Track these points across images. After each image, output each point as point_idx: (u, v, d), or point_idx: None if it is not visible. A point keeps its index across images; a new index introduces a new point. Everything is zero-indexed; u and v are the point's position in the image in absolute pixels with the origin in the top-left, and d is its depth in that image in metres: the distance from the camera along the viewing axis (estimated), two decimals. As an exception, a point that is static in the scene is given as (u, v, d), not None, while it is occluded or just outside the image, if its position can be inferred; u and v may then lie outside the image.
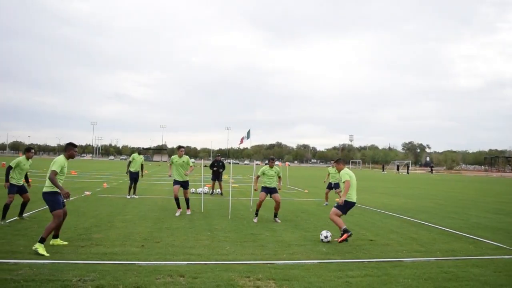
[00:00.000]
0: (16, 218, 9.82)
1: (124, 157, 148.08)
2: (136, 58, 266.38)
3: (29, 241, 7.50)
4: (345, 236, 8.24)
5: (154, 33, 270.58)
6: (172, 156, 11.98)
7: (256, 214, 11.00)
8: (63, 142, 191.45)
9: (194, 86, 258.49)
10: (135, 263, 6.28)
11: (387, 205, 15.81)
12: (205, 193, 16.82)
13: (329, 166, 17.08)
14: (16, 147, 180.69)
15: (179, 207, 11.65)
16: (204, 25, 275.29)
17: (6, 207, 9.40)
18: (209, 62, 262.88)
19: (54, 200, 6.98)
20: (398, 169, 74.66)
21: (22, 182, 9.77)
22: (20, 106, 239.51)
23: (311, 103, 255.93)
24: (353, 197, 8.61)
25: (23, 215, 10.02)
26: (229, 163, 15.51)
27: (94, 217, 10.59)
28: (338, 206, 8.58)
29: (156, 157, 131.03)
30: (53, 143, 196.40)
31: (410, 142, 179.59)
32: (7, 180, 9.49)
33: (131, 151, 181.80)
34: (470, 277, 6.15)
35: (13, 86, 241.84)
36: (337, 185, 15.39)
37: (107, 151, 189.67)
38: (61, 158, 7.13)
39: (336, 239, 8.38)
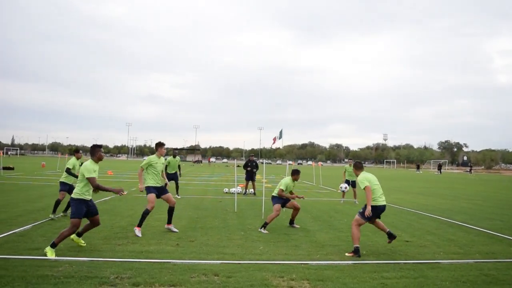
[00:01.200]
0: (61, 215, 10.41)
1: (198, 158, 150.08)
2: (168, 59, 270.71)
3: (68, 239, 7.70)
4: (352, 254, 7.25)
5: (185, 34, 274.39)
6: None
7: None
8: (100, 142, 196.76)
9: (226, 86, 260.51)
10: (170, 262, 6.38)
11: (423, 206, 15.47)
12: (238, 193, 16.92)
13: (346, 164, 17.18)
14: (55, 148, 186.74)
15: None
16: (235, 25, 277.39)
17: (58, 203, 10.20)
18: (240, 62, 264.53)
19: (76, 208, 6.86)
20: (439, 168, 72.16)
21: (72, 181, 10.37)
22: (59, 108, 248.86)
23: (343, 102, 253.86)
24: (379, 201, 7.66)
25: (67, 212, 10.36)
26: (262, 163, 15.51)
27: (129, 216, 10.80)
28: (362, 214, 7.56)
29: (189, 157, 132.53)
30: (90, 143, 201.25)
31: (446, 141, 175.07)
32: (75, 176, 9.98)
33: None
34: (511, 280, 5.95)
35: (51, 89, 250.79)
36: (354, 183, 15.47)
37: (142, 151, 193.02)
38: (89, 164, 6.95)
39: (347, 253, 7.38)
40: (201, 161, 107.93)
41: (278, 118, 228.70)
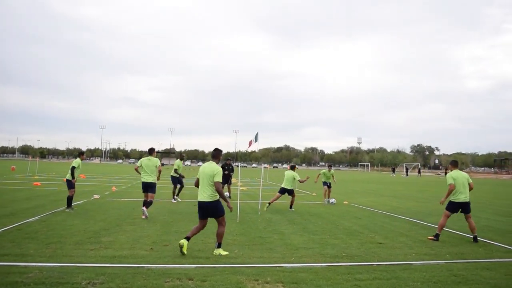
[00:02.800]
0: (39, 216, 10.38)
1: (132, 160, 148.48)
2: (144, 62, 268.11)
3: (39, 244, 7.56)
4: (432, 238, 9.27)
5: (161, 37, 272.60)
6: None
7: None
8: (73, 146, 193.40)
9: (202, 90, 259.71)
10: (144, 266, 6.31)
11: (396, 208, 15.73)
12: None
13: (325, 169, 18.42)
14: (25, 151, 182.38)
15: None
16: (211, 29, 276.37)
17: (70, 199, 12.22)
18: (217, 66, 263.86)
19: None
20: (407, 172, 74.35)
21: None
22: (30, 110, 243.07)
23: (319, 106, 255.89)
24: (460, 198, 9.27)
25: (72, 205, 12.38)
26: (237, 166, 15.54)
27: (103, 220, 10.64)
28: (447, 208, 9.42)
29: (164, 160, 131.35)
30: (62, 147, 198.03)
31: (418, 145, 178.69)
32: (73, 177, 12.23)
33: (139, 154, 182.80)
34: (480, 280, 6.10)
35: (22, 90, 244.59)
36: (330, 184, 17.48)
37: (116, 154, 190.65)
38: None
39: (428, 237, 9.39)
40: (164, 164, 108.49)
41: (254, 121, 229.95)
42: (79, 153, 12.85)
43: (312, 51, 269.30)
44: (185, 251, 7.04)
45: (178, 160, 16.66)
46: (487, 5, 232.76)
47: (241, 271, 6.19)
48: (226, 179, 17.95)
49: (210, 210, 7.32)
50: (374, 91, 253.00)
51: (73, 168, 12.24)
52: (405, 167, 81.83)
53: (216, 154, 7.70)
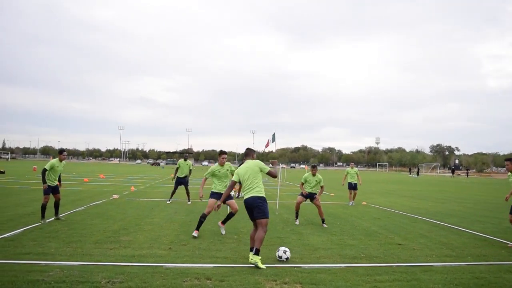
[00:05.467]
0: (53, 218, 10.32)
1: (150, 161, 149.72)
2: (160, 63, 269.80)
3: (59, 243, 7.67)
4: None
5: (178, 38, 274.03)
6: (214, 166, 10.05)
7: (296, 217, 11.49)
8: (92, 146, 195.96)
9: (219, 90, 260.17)
10: (162, 266, 6.34)
11: (416, 209, 15.53)
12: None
13: (348, 167, 17.75)
14: (46, 151, 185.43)
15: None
16: (228, 29, 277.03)
17: (44, 208, 9.96)
18: (233, 66, 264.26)
19: None
20: (418, 172, 74.23)
21: (56, 183, 10.39)
22: (50, 112, 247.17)
23: (336, 106, 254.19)
24: None
25: (59, 215, 10.52)
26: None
27: (122, 220, 10.74)
28: None
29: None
30: (82, 147, 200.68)
31: (438, 145, 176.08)
32: (44, 182, 10.05)
33: (157, 155, 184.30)
34: (503, 283, 5.98)
35: (43, 92, 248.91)
36: (355, 186, 16.07)
37: (134, 155, 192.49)
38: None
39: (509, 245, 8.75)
40: (159, 164, 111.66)
41: (271, 121, 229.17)
42: (58, 151, 10.62)
43: (328, 51, 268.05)
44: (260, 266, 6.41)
45: (181, 160, 15.80)
46: (507, 1, 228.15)
47: (259, 271, 6.17)
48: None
49: (254, 208, 6.87)
50: (392, 90, 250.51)
51: (43, 171, 10.04)
52: (417, 167, 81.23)
53: (249, 153, 7.62)
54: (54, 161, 10.28)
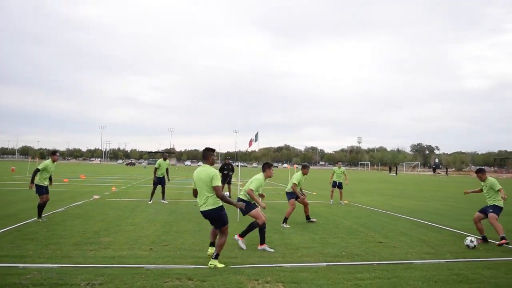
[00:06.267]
0: (36, 219, 10.38)
1: (127, 160, 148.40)
2: (143, 62, 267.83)
3: (38, 245, 7.54)
4: (503, 242, 8.58)
5: (161, 37, 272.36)
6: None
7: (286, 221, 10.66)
8: (73, 146, 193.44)
9: (202, 90, 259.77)
10: (143, 267, 6.28)
11: (396, 207, 15.71)
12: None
13: (335, 167, 17.74)
14: (25, 152, 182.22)
15: None
16: (212, 29, 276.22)
17: (41, 207, 10.35)
18: (216, 66, 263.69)
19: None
20: (396, 170, 75.77)
21: (47, 183, 10.59)
22: (30, 111, 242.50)
23: (319, 106, 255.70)
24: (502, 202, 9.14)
25: (42, 216, 10.59)
26: (237, 166, 15.45)
27: (102, 220, 10.61)
28: (496, 211, 9.02)
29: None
30: (62, 147, 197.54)
31: (418, 144, 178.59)
32: (32, 181, 10.32)
33: (139, 155, 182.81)
34: (481, 279, 6.07)
35: (21, 90, 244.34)
36: (340, 185, 16.13)
37: (116, 155, 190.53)
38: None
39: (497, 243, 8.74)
40: (134, 163, 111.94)
41: (254, 121, 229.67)
42: (51, 153, 10.97)
43: (312, 51, 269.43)
44: (219, 266, 6.39)
45: (161, 159, 15.37)
46: (487, 4, 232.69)
47: (241, 271, 6.16)
48: (226, 178, 17.96)
49: (213, 220, 6.66)
50: (374, 90, 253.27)
51: (35, 170, 10.35)
52: (395, 166, 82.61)
53: (206, 155, 6.74)
54: (47, 162, 10.56)
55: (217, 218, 6.59)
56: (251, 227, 7.93)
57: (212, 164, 6.71)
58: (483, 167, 10.09)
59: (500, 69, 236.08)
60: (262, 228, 7.81)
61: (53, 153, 10.85)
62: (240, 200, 8.25)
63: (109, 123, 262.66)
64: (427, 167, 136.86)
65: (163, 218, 11.37)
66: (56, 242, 7.86)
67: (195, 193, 6.82)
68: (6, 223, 9.66)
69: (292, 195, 10.94)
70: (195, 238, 8.62)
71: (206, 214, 6.56)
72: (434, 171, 77.06)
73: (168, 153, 17.41)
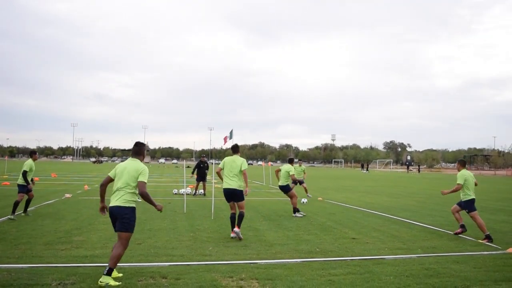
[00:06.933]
0: (19, 213, 10.84)
1: (105, 159, 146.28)
2: (116, 59, 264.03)
3: (7, 245, 7.37)
4: (460, 230, 9.40)
5: (135, 34, 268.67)
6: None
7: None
8: (43, 144, 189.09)
9: (176, 87, 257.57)
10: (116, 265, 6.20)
11: (369, 204, 15.94)
12: (188, 194, 16.71)
13: (296, 164, 17.58)
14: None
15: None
16: (186, 26, 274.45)
17: (16, 204, 10.46)
18: (191, 63, 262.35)
19: None
20: (367, 167, 77.29)
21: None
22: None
23: (293, 104, 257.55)
24: (472, 195, 9.41)
25: (28, 210, 11.22)
26: (212, 163, 15.42)
27: (74, 219, 10.44)
28: (471, 207, 9.30)
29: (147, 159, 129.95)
30: (32, 145, 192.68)
31: (391, 141, 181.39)
32: (28, 183, 10.80)
33: (112, 152, 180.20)
34: (450, 273, 6.22)
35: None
36: (301, 181, 16.76)
37: (88, 153, 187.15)
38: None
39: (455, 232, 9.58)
40: (101, 161, 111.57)
41: (229, 119, 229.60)
42: (30, 153, 11.43)
43: (286, 49, 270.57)
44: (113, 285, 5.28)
45: (30, 160, 11.25)
46: (456, 5, 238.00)
47: (215, 269, 6.16)
48: (201, 176, 17.92)
49: (121, 219, 5.69)
50: (347, 89, 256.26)
51: (24, 172, 10.67)
52: (367, 163, 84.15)
53: (138, 150, 6.10)
54: (31, 162, 10.93)
55: (128, 218, 5.72)
56: (241, 217, 8.65)
57: (141, 161, 6.08)
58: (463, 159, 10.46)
59: (469, 68, 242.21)
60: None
61: (34, 153, 11.42)
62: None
63: (81, 121, 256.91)
64: (399, 164, 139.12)
65: (136, 216, 11.22)
66: (26, 241, 7.70)
67: (105, 182, 5.98)
68: (-27, 223, 9.40)
69: (287, 187, 12.27)
70: (169, 236, 8.56)
71: (116, 210, 5.69)
72: (407, 168, 78.63)
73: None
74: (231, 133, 27.72)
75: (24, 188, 10.75)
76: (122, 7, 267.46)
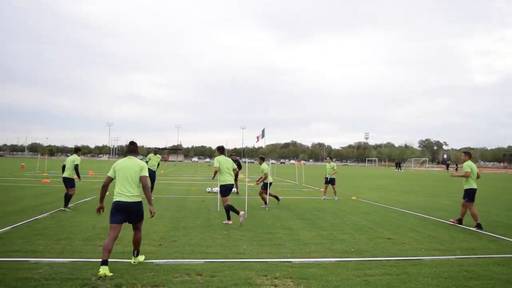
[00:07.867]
0: (61, 209, 11.64)
1: (141, 157, 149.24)
2: (149, 59, 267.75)
3: (48, 240, 7.61)
4: (455, 222, 10.61)
5: (167, 34, 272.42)
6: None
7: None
8: (81, 143, 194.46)
9: (209, 86, 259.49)
10: (152, 262, 6.33)
11: (404, 203, 15.65)
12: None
13: (326, 162, 17.84)
14: (34, 149, 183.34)
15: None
16: (218, 25, 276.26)
17: (68, 197, 11.77)
18: (222, 62, 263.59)
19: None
20: (400, 167, 75.06)
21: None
22: (39, 109, 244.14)
23: (326, 102, 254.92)
24: (474, 185, 10.47)
25: (69, 205, 11.97)
26: (244, 162, 15.46)
27: (111, 216, 10.66)
28: (470, 198, 10.39)
29: (171, 157, 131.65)
30: (70, 144, 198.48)
31: (426, 140, 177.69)
32: (79, 175, 12.12)
33: (146, 151, 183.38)
34: (491, 275, 6.05)
35: (31, 89, 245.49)
36: (332, 181, 16.42)
37: (124, 151, 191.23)
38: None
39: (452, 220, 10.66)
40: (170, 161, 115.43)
41: (260, 117, 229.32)
42: (75, 149, 12.56)
43: (317, 46, 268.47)
44: (108, 274, 5.53)
45: (152, 154, 15.33)
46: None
47: (250, 267, 6.18)
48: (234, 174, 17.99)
49: (134, 213, 6.24)
50: (380, 86, 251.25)
51: (76, 166, 11.94)
52: (399, 162, 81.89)
53: (135, 149, 6.66)
54: (78, 157, 12.14)
55: (138, 211, 6.28)
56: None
57: (135, 157, 6.52)
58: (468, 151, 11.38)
59: (507, 63, 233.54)
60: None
61: (78, 149, 12.54)
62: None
63: (117, 120, 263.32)
64: (435, 163, 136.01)
65: (171, 214, 11.42)
66: (66, 237, 7.93)
67: (107, 182, 6.35)
68: (16, 219, 9.75)
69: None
70: (203, 234, 8.65)
71: (133, 206, 6.18)
72: (447, 167, 76.23)
73: (157, 148, 17.65)
74: (263, 132, 27.77)
75: (73, 182, 11.88)
76: (154, 8, 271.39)
